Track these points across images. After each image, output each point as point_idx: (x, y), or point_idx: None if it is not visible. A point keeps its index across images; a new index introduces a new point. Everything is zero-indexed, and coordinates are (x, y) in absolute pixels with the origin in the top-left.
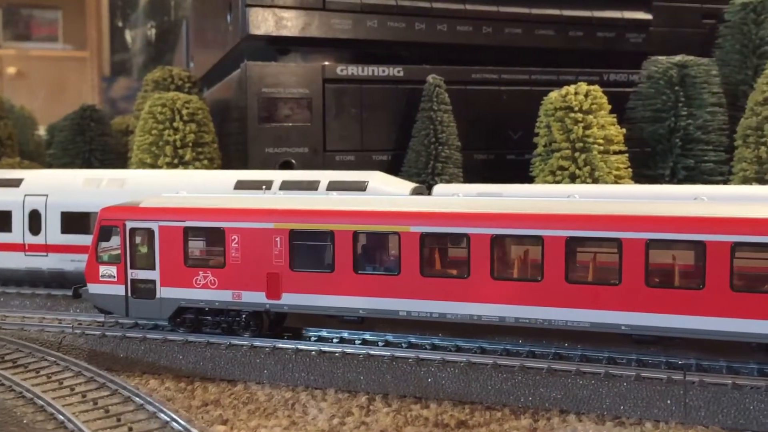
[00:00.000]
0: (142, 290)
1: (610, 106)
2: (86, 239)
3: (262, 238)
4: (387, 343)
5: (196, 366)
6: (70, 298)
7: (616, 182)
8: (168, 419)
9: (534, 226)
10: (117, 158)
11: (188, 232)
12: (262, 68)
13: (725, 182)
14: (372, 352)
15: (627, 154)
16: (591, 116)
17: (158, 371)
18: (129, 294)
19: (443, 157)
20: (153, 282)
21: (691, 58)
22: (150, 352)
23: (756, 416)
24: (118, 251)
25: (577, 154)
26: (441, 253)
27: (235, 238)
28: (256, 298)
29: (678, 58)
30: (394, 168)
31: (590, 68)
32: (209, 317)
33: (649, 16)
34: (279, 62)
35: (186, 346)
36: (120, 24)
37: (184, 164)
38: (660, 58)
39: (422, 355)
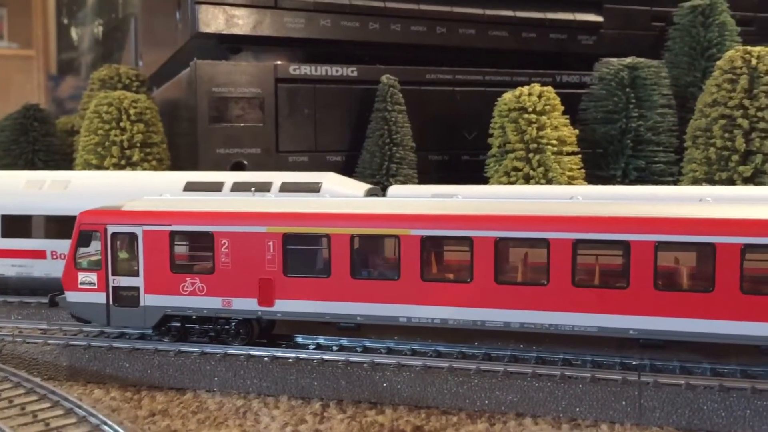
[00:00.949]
0: (125, 298)
1: (563, 108)
2: (28, 243)
3: (254, 243)
4: (341, 348)
5: (144, 374)
6: (9, 305)
7: (569, 183)
8: (112, 431)
9: (540, 228)
10: (62, 159)
11: (174, 237)
12: (212, 67)
13: (675, 183)
14: (326, 357)
15: (580, 155)
16: (544, 117)
17: (103, 380)
18: (110, 302)
19: (398, 158)
20: (136, 289)
21: (642, 60)
22: (95, 360)
23: (709, 416)
24: (99, 257)
25: (531, 155)
26: (442, 257)
27: (224, 243)
28: (247, 305)
29: (629, 60)
30: (348, 169)
31: (543, 69)
32: (196, 326)
33: (600, 18)
34: (230, 61)
35: (133, 353)
36: (66, 22)
37: (132, 165)
38: (611, 59)
39: (377, 360)
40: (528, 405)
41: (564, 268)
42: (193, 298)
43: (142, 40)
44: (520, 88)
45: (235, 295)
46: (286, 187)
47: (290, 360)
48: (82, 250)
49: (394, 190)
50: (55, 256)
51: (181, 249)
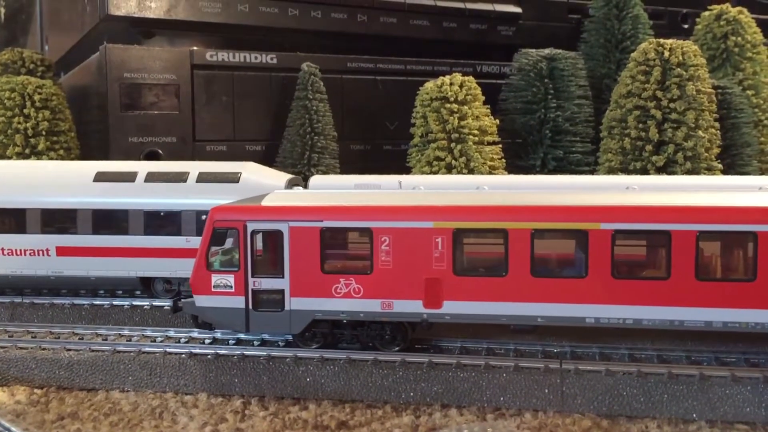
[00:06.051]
0: (267, 301)
1: (483, 98)
2: None
3: (420, 239)
4: (263, 342)
5: (51, 375)
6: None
7: (490, 173)
8: None
9: (746, 221)
10: None
11: (326, 234)
12: (123, 52)
13: (592, 172)
14: (247, 353)
15: (500, 145)
16: (466, 107)
17: (7, 382)
18: (250, 306)
19: (319, 148)
20: (281, 292)
21: (559, 51)
22: None
23: (629, 401)
24: (236, 257)
25: (453, 145)
26: (636, 252)
27: (385, 240)
28: (410, 307)
29: (547, 51)
30: (268, 159)
31: (464, 59)
32: (346, 331)
33: (518, 10)
34: (143, 46)
35: (39, 352)
36: None
37: (37, 154)
38: (530, 50)
39: (300, 354)
40: (453, 396)
41: None
42: (348, 301)
43: (47, 22)
44: (441, 77)
45: (397, 297)
46: (203, 177)
47: (209, 356)
48: (214, 249)
49: (316, 180)
50: None
51: (334, 247)
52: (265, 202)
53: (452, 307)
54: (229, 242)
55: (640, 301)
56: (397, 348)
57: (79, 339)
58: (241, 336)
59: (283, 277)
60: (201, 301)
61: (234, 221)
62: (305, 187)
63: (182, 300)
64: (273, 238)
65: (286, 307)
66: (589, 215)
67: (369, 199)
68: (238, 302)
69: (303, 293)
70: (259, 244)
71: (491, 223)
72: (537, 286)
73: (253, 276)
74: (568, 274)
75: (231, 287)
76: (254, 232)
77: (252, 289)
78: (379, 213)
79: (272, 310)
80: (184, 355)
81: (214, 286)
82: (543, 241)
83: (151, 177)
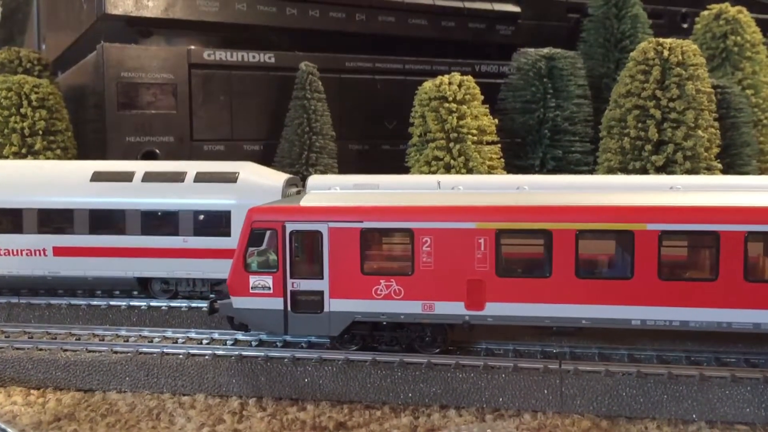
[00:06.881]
0: (306, 303)
1: (482, 97)
2: None
3: (462, 240)
4: (261, 343)
5: (48, 376)
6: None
7: (489, 172)
8: None
9: None
10: None
11: (367, 235)
12: (120, 51)
13: (591, 172)
14: (245, 353)
15: (499, 145)
16: (465, 107)
17: (4, 383)
18: (288, 308)
19: (317, 148)
20: (320, 293)
21: (559, 50)
22: None
23: (628, 402)
24: (274, 258)
25: (451, 144)
26: (683, 253)
27: (426, 241)
28: (452, 309)
29: (546, 50)
30: (266, 158)
31: (462, 59)
32: (386, 333)
33: (517, 9)
34: (140, 45)
35: (36, 353)
36: None
37: (34, 154)
38: (529, 50)
39: (298, 354)
40: (452, 397)
41: None
42: (388, 303)
43: (44, 21)
44: (440, 77)
45: (439, 299)
46: (201, 177)
47: (207, 357)
48: (252, 250)
49: (314, 180)
50: None
51: (375, 248)
52: (304, 203)
53: (495, 309)
54: (267, 243)
55: (687, 302)
56: (437, 350)
57: (76, 339)
58: (239, 336)
59: (322, 279)
60: (238, 302)
61: (272, 222)
62: (303, 186)
63: (219, 301)
64: (312, 239)
65: (326, 309)
66: (635, 216)
67: (410, 200)
68: (277, 304)
69: (342, 295)
70: (298, 245)
71: (535, 223)
72: (582, 288)
73: (291, 277)
74: (613, 276)
75: (269, 288)
76: (293, 233)
77: (291, 291)
78: (420, 213)
79: (311, 312)
80: (181, 356)
81: (252, 288)
82: (588, 241)
83: (149, 177)
